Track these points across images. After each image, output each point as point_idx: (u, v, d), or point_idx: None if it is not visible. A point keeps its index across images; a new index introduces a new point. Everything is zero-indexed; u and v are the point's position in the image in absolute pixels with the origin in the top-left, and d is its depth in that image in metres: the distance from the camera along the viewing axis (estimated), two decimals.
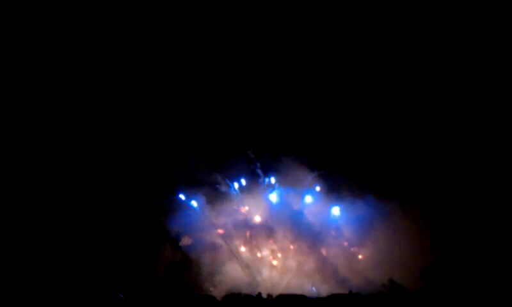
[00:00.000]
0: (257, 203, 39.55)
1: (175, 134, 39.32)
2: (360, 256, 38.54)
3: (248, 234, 39.19)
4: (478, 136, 37.70)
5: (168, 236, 38.22)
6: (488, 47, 37.45)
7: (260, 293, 35.39)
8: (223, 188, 39.60)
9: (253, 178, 39.75)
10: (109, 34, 39.34)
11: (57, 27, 38.71)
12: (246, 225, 39.25)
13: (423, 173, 38.12)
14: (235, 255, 38.65)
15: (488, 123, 37.68)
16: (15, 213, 36.66)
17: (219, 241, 38.89)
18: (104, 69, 39.26)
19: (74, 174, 38.22)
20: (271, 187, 39.54)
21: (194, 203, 39.06)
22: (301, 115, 39.81)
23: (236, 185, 39.68)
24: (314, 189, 39.40)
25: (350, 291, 34.93)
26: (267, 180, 39.69)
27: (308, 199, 39.12)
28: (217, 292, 37.07)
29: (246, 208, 39.66)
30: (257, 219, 39.43)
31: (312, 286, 37.34)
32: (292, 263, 38.43)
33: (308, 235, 38.02)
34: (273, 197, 39.16)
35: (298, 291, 36.12)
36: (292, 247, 38.62)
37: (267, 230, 38.88)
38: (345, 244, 38.49)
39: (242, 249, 39.05)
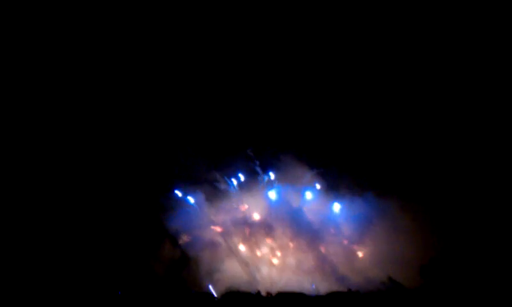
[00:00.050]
0: (256, 200, 39.49)
1: (175, 132, 39.16)
2: (359, 254, 38.50)
3: (247, 232, 39.17)
4: (477, 134, 37.60)
5: (166, 233, 38.14)
6: (488, 46, 37.27)
7: (259, 291, 35.34)
8: (222, 186, 39.58)
9: (252, 175, 39.71)
10: (108, 31, 39.11)
11: (56, 26, 38.49)
12: (245, 223, 39.26)
13: (422, 170, 38.01)
14: (234, 253, 38.58)
15: (487, 120, 37.55)
16: (12, 209, 36.52)
17: (218, 239, 38.83)
18: (102, 67, 39.02)
19: (72, 171, 38.03)
20: (270, 185, 39.53)
21: (193, 201, 38.95)
22: (300, 113, 39.67)
23: (235, 182, 39.63)
24: (314, 187, 39.33)
25: (349, 289, 34.90)
26: (266, 177, 39.66)
27: (308, 195, 39.05)
28: (216, 290, 37.04)
29: (245, 205, 39.59)
30: (256, 216, 39.41)
31: (311, 284, 37.25)
32: (291, 261, 38.39)
33: (307, 232, 38.00)
34: (272, 195, 39.10)
35: (297, 289, 36.09)
36: (291, 244, 38.59)
37: (266, 228, 38.88)
38: (345, 241, 38.45)
39: (241, 246, 39.00)
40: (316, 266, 37.58)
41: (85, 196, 37.67)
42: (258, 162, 39.38)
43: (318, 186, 39.20)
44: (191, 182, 39.00)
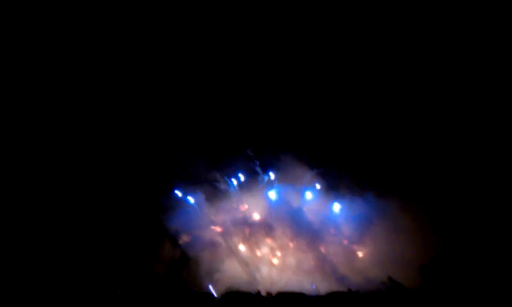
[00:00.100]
0: (256, 200, 39.49)
1: (175, 132, 39.16)
2: (359, 254, 38.49)
3: (247, 232, 39.17)
4: (477, 134, 37.59)
5: (166, 233, 38.15)
6: (488, 46, 37.26)
7: (259, 291, 35.32)
8: (222, 186, 39.58)
9: (252, 175, 39.72)
10: (108, 30, 39.09)
11: (56, 26, 38.51)
12: (245, 223, 39.26)
13: (422, 170, 38.00)
14: (234, 253, 38.58)
15: (487, 119, 37.55)
16: (12, 208, 36.52)
17: (218, 239, 38.83)
18: (101, 67, 39.03)
19: (72, 172, 38.02)
20: (270, 185, 39.53)
21: (193, 201, 38.95)
22: (300, 113, 39.66)
23: (235, 182, 39.63)
24: (314, 187, 39.32)
25: (349, 289, 34.88)
26: (266, 177, 39.66)
27: (308, 195, 39.04)
28: (216, 290, 37.04)
29: (245, 206, 39.58)
30: (256, 216, 39.41)
31: (311, 284, 37.24)
32: (291, 260, 38.38)
33: (307, 232, 38.00)
34: (272, 195, 39.10)
35: (297, 289, 36.07)
36: (291, 244, 38.59)
37: (266, 228, 38.88)
38: (345, 241, 38.45)
39: (241, 246, 38.99)
40: (316, 266, 37.57)
41: (85, 196, 37.66)
42: (258, 162, 39.42)
43: (318, 186, 39.22)
44: (191, 182, 39.01)
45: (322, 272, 37.29)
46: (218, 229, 39.12)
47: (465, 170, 37.41)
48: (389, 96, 38.99)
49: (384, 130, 38.99)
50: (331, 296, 34.43)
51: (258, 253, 38.87)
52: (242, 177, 39.59)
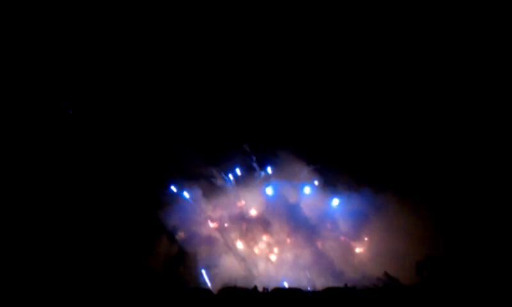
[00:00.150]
0: (253, 196, 39.54)
1: (171, 128, 39.10)
2: (356, 250, 38.59)
3: (244, 227, 39.20)
4: (472, 130, 37.60)
5: (163, 229, 38.17)
6: (488, 46, 37.21)
7: (255, 287, 35.38)
8: (219, 181, 39.55)
9: (249, 171, 39.74)
10: (105, 29, 39.03)
11: (56, 26, 38.46)
12: (242, 218, 39.30)
13: (419, 166, 38.02)
14: (231, 248, 38.63)
15: (482, 115, 37.55)
16: (11, 207, 36.54)
17: (215, 234, 38.87)
18: (98, 65, 38.98)
19: (68, 169, 38.01)
20: (267, 181, 39.50)
21: (190, 197, 38.94)
22: (296, 109, 39.61)
23: (232, 178, 39.62)
24: (311, 183, 39.30)
25: (345, 285, 34.95)
26: (263, 173, 39.67)
27: (305, 191, 39.04)
28: (213, 285, 37.11)
29: (242, 201, 39.59)
30: (253, 212, 39.46)
31: (308, 279, 37.32)
32: (288, 256, 38.45)
33: (304, 228, 38.04)
34: (269, 190, 39.10)
35: (294, 285, 36.15)
36: (288, 240, 38.64)
37: (263, 223, 38.91)
38: (342, 237, 38.51)
39: (238, 242, 39.05)
40: (313, 261, 37.63)
41: (82, 193, 37.65)
42: (254, 158, 39.44)
43: (315, 182, 39.22)
44: (188, 178, 39.01)
45: (319, 267, 37.35)
46: (215, 225, 39.17)
47: (461, 166, 37.44)
48: (386, 92, 38.99)
49: (380, 126, 39.02)
50: (328, 291, 34.44)
51: (255, 249, 38.94)
52: (239, 173, 39.61)
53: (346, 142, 38.85)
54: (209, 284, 37.36)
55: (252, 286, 35.58)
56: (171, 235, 38.24)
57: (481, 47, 37.45)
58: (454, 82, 38.02)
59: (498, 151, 36.84)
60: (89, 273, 35.35)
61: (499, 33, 36.92)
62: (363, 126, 39.20)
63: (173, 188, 39.07)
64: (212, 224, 39.21)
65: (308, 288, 36.40)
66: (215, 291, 36.00)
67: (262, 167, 39.67)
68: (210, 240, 38.39)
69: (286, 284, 37.08)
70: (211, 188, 39.38)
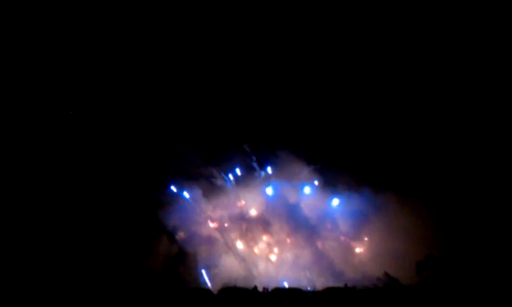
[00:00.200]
0: (253, 196, 39.55)
1: (171, 128, 39.12)
2: (356, 250, 38.59)
3: (244, 227, 39.21)
4: (472, 130, 37.59)
5: (163, 229, 38.18)
6: (488, 46, 37.22)
7: (255, 287, 35.37)
8: (219, 182, 39.56)
9: (249, 171, 39.76)
10: (105, 28, 39.05)
11: (56, 26, 38.49)
12: (242, 218, 39.31)
13: (419, 166, 38.01)
14: (231, 248, 38.63)
15: (482, 114, 37.53)
16: (11, 207, 36.55)
17: (215, 234, 38.88)
18: (97, 64, 39.00)
19: (68, 168, 38.03)
20: (267, 181, 39.51)
21: (190, 197, 38.95)
22: (296, 109, 39.62)
23: (232, 178, 39.63)
24: (311, 182, 39.30)
25: (345, 285, 34.94)
26: (263, 173, 39.69)
27: (305, 191, 39.04)
28: (213, 285, 37.12)
29: (242, 201, 39.60)
30: (253, 212, 39.48)
31: (308, 279, 37.31)
32: (288, 256, 38.45)
33: (304, 228, 38.04)
34: (269, 190, 39.11)
35: (294, 285, 36.15)
36: (288, 240, 38.64)
37: (263, 223, 38.92)
38: (342, 237, 38.51)
39: (238, 242, 39.05)
40: (313, 261, 37.63)
41: (82, 193, 37.67)
42: (254, 158, 39.46)
43: (315, 182, 39.23)
44: (188, 178, 39.03)
45: (319, 267, 37.35)
46: (215, 225, 39.18)
47: (461, 166, 37.44)
48: (386, 92, 38.97)
49: (381, 126, 39.01)
50: (328, 291, 34.43)
51: (255, 249, 38.94)
52: (238, 171, 39.63)
53: (346, 142, 38.85)
54: (209, 284, 37.34)
55: (252, 286, 35.57)
56: (171, 235, 38.24)
57: (481, 47, 37.41)
58: (453, 81, 38.01)
59: (498, 150, 36.82)
60: (89, 273, 35.33)
61: (499, 33, 36.89)
62: (363, 127, 39.19)
63: (173, 188, 39.11)
64: (212, 224, 39.24)
65: (308, 288, 36.37)
66: (215, 291, 36.01)
67: (262, 167, 39.74)
68: (210, 240, 38.40)
69: (286, 284, 37.07)
70: (211, 189, 39.42)
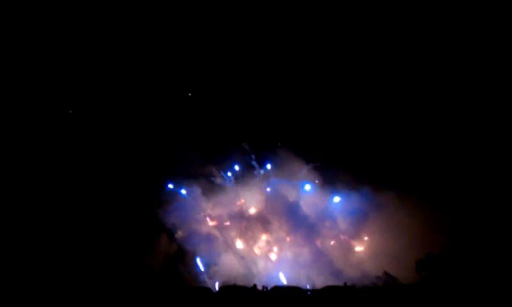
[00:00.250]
0: (253, 194, 39.56)
1: (171, 126, 39.12)
2: (356, 248, 38.53)
3: (243, 226, 39.20)
4: (472, 129, 37.47)
5: (163, 228, 38.21)
6: (488, 46, 37.07)
7: (255, 285, 35.36)
8: (219, 180, 39.55)
9: (249, 169, 39.72)
10: (105, 27, 39.05)
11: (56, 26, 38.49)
12: (241, 217, 39.31)
13: (419, 165, 37.91)
14: (230, 247, 38.62)
15: (482, 113, 37.40)
16: (9, 203, 36.57)
17: (215, 233, 38.88)
18: (96, 63, 39.00)
19: (67, 167, 38.06)
20: (267, 179, 39.47)
21: (189, 195, 38.94)
22: (295, 107, 39.55)
23: (231, 176, 39.59)
24: (310, 181, 39.22)
25: (345, 284, 34.89)
26: (262, 171, 39.64)
27: (305, 189, 38.96)
28: (212, 284, 37.11)
29: (242, 200, 39.58)
30: (253, 210, 39.48)
31: (307, 279, 37.26)
32: (287, 254, 38.43)
33: (303, 227, 37.98)
34: (269, 189, 39.05)
35: (293, 283, 36.11)
36: (287, 239, 38.61)
37: (262, 222, 38.91)
38: (341, 236, 38.45)
39: (238, 240, 39.04)
40: (312, 260, 37.58)
41: (81, 191, 37.71)
42: (254, 156, 39.45)
43: (314, 180, 39.14)
44: (187, 176, 39.06)
45: (319, 266, 37.30)
46: (214, 223, 39.19)
47: (462, 164, 37.32)
48: (385, 90, 38.87)
49: (380, 124, 38.92)
50: (327, 290, 34.35)
51: (255, 247, 38.93)
52: (238, 168, 39.58)
53: (346, 141, 38.77)
54: (208, 283, 37.34)
55: (251, 284, 35.56)
56: (170, 234, 38.27)
57: (481, 47, 37.27)
58: (453, 79, 37.88)
59: (498, 149, 36.69)
60: (87, 272, 35.37)
61: (499, 33, 36.74)
62: (362, 125, 39.10)
63: (173, 186, 39.09)
64: (211, 223, 39.24)
65: (308, 287, 36.31)
66: (214, 290, 36.01)
67: (262, 165, 39.70)
68: (209, 239, 38.37)
69: (284, 280, 37.01)
70: (210, 187, 39.43)
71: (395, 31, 38.21)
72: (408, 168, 37.63)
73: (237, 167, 39.55)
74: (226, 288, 35.25)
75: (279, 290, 34.86)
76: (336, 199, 38.79)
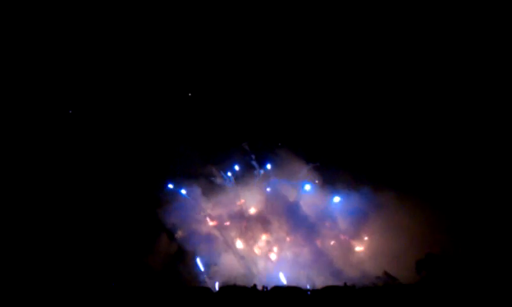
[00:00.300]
0: (253, 194, 39.57)
1: (171, 126, 39.13)
2: (356, 249, 38.52)
3: (243, 226, 39.21)
4: (472, 129, 37.47)
5: (163, 228, 38.21)
6: (488, 46, 37.07)
7: (255, 285, 35.36)
8: (219, 180, 39.56)
9: (249, 169, 39.74)
10: (105, 27, 39.07)
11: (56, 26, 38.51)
12: (241, 217, 39.32)
13: (419, 165, 37.91)
14: (230, 247, 38.62)
15: (482, 113, 37.39)
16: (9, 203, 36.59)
17: (215, 233, 38.88)
18: (98, 63, 39.03)
19: (67, 167, 38.07)
20: (267, 179, 39.47)
21: (189, 195, 38.96)
22: (295, 107, 39.54)
23: (231, 176, 39.60)
24: (310, 181, 39.23)
25: (345, 284, 34.89)
26: (262, 171, 39.65)
27: (305, 189, 38.97)
28: (212, 284, 37.11)
29: (242, 200, 39.59)
30: (253, 210, 39.48)
31: (307, 278, 37.26)
32: (287, 254, 38.43)
33: (303, 227, 37.98)
34: (269, 189, 39.04)
35: (293, 283, 36.11)
36: (287, 239, 38.62)
37: (262, 222, 38.92)
38: (341, 236, 38.45)
39: (238, 240, 39.05)
40: (312, 260, 37.58)
41: (81, 191, 37.71)
42: (254, 156, 39.46)
43: (314, 180, 39.15)
44: (187, 176, 39.07)
45: (318, 266, 37.30)
46: (214, 223, 39.19)
47: (462, 164, 37.32)
48: (385, 89, 38.87)
49: (380, 124, 38.91)
50: (327, 290, 34.35)
51: (255, 247, 38.93)
52: (238, 168, 39.59)
53: (345, 141, 38.77)
54: (208, 283, 37.35)
55: (251, 284, 35.56)
56: (170, 234, 38.27)
57: (481, 46, 37.27)
58: (453, 79, 37.89)
59: (498, 149, 36.69)
60: (87, 272, 35.37)
61: (499, 33, 36.74)
62: (362, 125, 39.10)
63: (173, 186, 39.10)
64: (211, 223, 39.24)
65: (308, 287, 36.31)
66: (214, 290, 36.01)
67: (262, 165, 39.71)
68: (209, 239, 38.38)
69: (283, 279, 37.00)
70: (210, 187, 39.46)
71: (394, 31, 38.18)
72: (408, 168, 37.62)
73: (237, 167, 39.60)
74: (226, 288, 35.25)
75: (279, 290, 34.88)
76: (337, 199, 38.81)
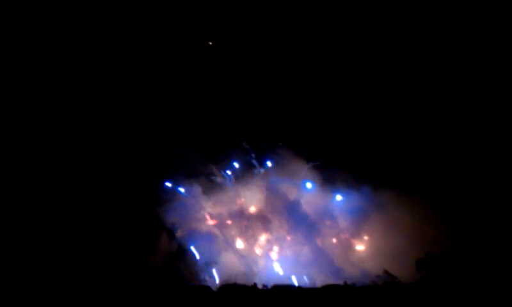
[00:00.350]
0: (253, 193, 39.59)
1: (171, 125, 39.16)
2: (356, 247, 38.56)
3: (243, 224, 39.23)
4: (473, 128, 37.54)
5: (163, 226, 38.22)
6: (488, 46, 37.16)
7: (255, 284, 35.39)
8: (219, 179, 39.60)
9: (249, 168, 39.78)
10: (105, 27, 39.10)
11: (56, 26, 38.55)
12: (241, 215, 39.36)
13: (419, 163, 37.98)
14: (230, 246, 38.65)
15: (482, 112, 37.47)
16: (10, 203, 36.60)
17: (215, 232, 38.89)
18: (98, 63, 39.05)
19: (67, 166, 38.08)
20: (267, 178, 39.51)
21: (189, 194, 38.98)
22: (296, 106, 39.58)
23: (232, 175, 39.65)
24: (310, 180, 39.28)
25: (345, 282, 34.94)
26: (262, 170, 39.70)
27: (305, 188, 39.01)
28: (213, 283, 37.13)
29: (242, 198, 39.63)
30: (253, 209, 39.49)
31: (307, 277, 37.30)
32: (287, 253, 38.45)
33: (303, 225, 38.03)
34: (269, 187, 39.07)
35: (293, 282, 36.13)
36: (287, 237, 38.64)
37: (263, 221, 38.95)
38: (341, 235, 38.50)
39: (238, 239, 39.07)
40: (312, 259, 37.62)
41: (81, 190, 37.72)
42: (254, 155, 39.50)
43: (315, 179, 39.20)
44: (188, 175, 39.08)
45: (319, 264, 37.33)
46: (215, 222, 39.21)
47: (462, 163, 37.38)
48: (386, 89, 38.94)
49: (380, 123, 38.99)
50: (327, 289, 34.40)
51: (255, 246, 38.94)
52: (237, 166, 39.65)
53: (346, 140, 38.83)
54: (208, 280, 37.37)
55: (252, 283, 35.58)
56: (170, 232, 38.28)
57: (481, 46, 37.37)
58: (453, 78, 37.97)
59: (498, 149, 36.76)
60: (88, 271, 35.36)
61: (499, 33, 36.84)
62: (362, 124, 39.17)
63: (173, 185, 39.12)
64: (211, 221, 39.26)
65: (308, 285, 36.34)
66: (214, 288, 36.03)
67: (262, 164, 39.77)
68: (209, 237, 38.39)
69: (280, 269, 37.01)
70: (211, 186, 39.52)
71: (394, 31, 38.27)
72: (408, 167, 37.68)
73: (237, 166, 39.60)
74: (227, 287, 35.29)
75: (279, 288, 34.92)
76: (339, 197, 38.86)
